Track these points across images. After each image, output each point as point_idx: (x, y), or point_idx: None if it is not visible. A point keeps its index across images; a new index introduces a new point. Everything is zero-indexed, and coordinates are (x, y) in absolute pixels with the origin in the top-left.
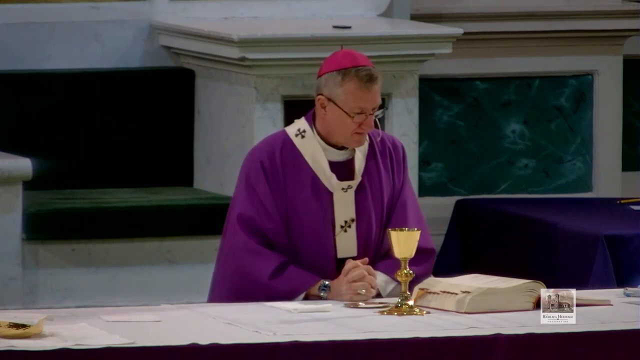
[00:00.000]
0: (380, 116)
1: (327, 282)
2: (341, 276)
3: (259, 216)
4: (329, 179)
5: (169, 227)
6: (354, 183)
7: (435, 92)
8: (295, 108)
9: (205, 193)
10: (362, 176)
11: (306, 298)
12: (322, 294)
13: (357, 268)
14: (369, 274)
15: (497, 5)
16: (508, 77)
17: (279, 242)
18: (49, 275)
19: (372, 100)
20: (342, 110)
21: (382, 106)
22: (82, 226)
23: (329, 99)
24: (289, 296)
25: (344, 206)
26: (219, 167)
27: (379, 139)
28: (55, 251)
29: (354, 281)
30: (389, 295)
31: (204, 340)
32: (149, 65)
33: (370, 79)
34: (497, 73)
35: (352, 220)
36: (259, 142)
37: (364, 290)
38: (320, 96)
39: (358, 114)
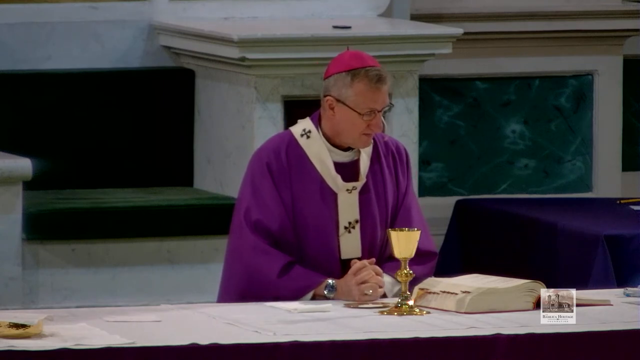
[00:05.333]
0: (387, 111)
1: (332, 282)
2: (348, 275)
3: (265, 216)
4: (334, 180)
5: (169, 227)
6: (359, 184)
7: (435, 92)
8: (296, 108)
9: (205, 193)
10: (367, 177)
11: (313, 298)
12: (328, 293)
13: (365, 269)
14: (377, 274)
15: (497, 5)
16: (508, 77)
17: (286, 242)
18: (49, 275)
19: (382, 100)
20: (353, 110)
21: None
22: (82, 226)
23: (338, 100)
24: (296, 295)
25: (348, 207)
26: (219, 167)
27: (383, 141)
28: (55, 251)
29: (363, 282)
30: (394, 296)
31: (204, 340)
32: (149, 65)
33: (380, 79)
34: (497, 73)
35: (356, 222)
36: (264, 142)
37: (371, 291)
38: (328, 97)
39: (368, 113)
